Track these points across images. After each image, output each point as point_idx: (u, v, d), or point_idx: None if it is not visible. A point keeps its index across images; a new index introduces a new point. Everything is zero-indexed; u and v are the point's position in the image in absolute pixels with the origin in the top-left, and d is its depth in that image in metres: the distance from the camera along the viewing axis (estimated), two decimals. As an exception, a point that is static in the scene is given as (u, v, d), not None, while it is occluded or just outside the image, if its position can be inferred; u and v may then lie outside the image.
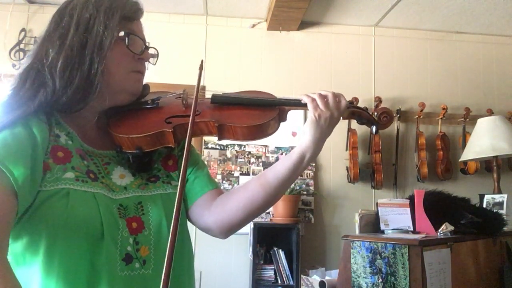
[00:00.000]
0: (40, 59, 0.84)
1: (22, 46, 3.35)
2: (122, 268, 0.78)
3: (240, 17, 3.57)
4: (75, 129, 0.87)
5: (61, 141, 0.83)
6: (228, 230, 0.94)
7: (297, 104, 0.97)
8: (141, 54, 0.90)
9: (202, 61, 0.96)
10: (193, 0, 3.35)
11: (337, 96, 0.94)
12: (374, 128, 1.03)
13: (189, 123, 0.80)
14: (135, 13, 0.91)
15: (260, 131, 0.93)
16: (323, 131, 0.91)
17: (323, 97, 0.93)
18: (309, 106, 0.92)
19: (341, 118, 0.96)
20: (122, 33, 0.87)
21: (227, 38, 3.56)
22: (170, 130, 0.89)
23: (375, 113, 1.04)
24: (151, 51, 0.94)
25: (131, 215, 0.82)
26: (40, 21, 3.44)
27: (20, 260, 0.76)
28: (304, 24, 3.59)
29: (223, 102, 0.98)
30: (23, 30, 3.37)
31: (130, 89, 0.91)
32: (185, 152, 0.74)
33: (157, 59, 0.97)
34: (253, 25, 3.59)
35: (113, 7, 0.87)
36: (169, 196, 0.90)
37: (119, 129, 0.89)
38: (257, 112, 0.95)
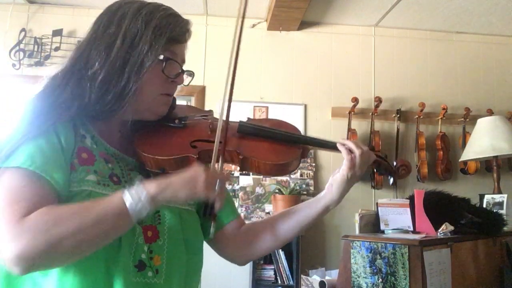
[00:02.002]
0: (84, 66, 0.83)
1: (22, 46, 3.35)
2: (134, 274, 0.78)
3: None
4: (99, 132, 0.86)
5: (87, 142, 0.83)
6: (249, 260, 1.05)
7: (323, 145, 0.98)
8: (175, 78, 0.89)
9: None
10: (193, 0, 3.35)
11: (370, 153, 0.96)
12: (391, 180, 1.06)
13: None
14: (183, 36, 0.90)
15: (282, 169, 0.94)
16: (351, 185, 0.96)
17: (362, 156, 0.93)
18: (346, 163, 0.93)
19: None
20: (161, 57, 0.85)
21: (227, 38, 3.54)
22: (195, 157, 0.88)
23: (394, 163, 1.06)
24: (187, 73, 0.94)
25: (147, 223, 0.83)
26: (40, 21, 3.44)
27: None
28: (304, 24, 3.59)
29: (249, 133, 0.97)
30: (23, 30, 3.37)
31: (156, 110, 0.91)
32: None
33: (191, 80, 0.96)
34: (253, 25, 3.59)
35: (162, 25, 0.85)
36: (187, 211, 0.91)
37: (144, 147, 0.88)
38: (282, 149, 0.95)
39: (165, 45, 0.85)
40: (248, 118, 1.04)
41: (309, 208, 0.97)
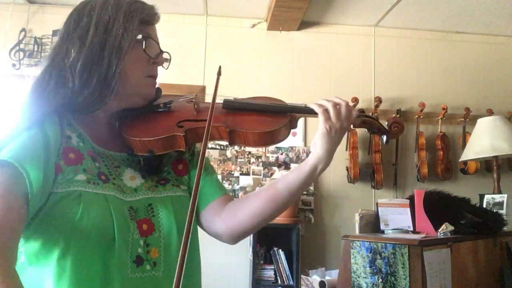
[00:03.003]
0: (62, 59, 0.84)
1: (22, 46, 3.35)
2: (133, 270, 0.78)
3: (240, 17, 3.57)
4: (86, 130, 0.87)
5: (73, 142, 0.84)
6: (238, 236, 0.96)
7: (309, 111, 0.97)
8: (156, 58, 0.91)
9: (220, 67, 0.96)
10: (193, 0, 3.35)
11: (348, 106, 0.93)
12: (384, 138, 1.04)
13: (205, 132, 0.81)
14: (152, 17, 0.93)
15: (270, 138, 0.94)
16: (334, 141, 0.91)
17: (335, 107, 0.91)
18: (320, 117, 0.91)
19: (352, 127, 0.96)
20: (140, 37, 0.88)
21: (227, 38, 3.56)
22: (182, 135, 0.89)
23: (386, 122, 1.05)
24: (164, 55, 0.95)
25: (141, 217, 0.83)
26: (40, 21, 3.44)
27: (33, 260, 0.76)
28: (304, 24, 3.59)
29: (234, 107, 0.98)
30: (23, 30, 3.37)
31: (144, 93, 0.92)
32: (199, 161, 0.75)
33: (169, 64, 0.97)
34: (253, 25, 3.59)
35: (132, 10, 0.88)
36: (179, 198, 0.91)
37: (131, 131, 0.89)
38: (269, 119, 0.96)
39: (138, 27, 0.88)
40: (235, 98, 1.04)
41: (297, 171, 0.93)
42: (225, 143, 0.94)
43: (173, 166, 0.96)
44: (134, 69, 0.88)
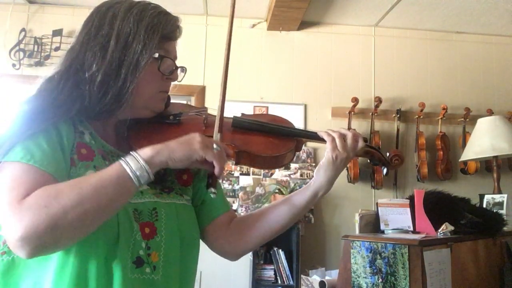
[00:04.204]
0: (80, 67, 0.83)
1: (22, 46, 3.35)
2: (132, 271, 0.79)
3: (240, 17, 3.57)
4: (96, 129, 0.87)
5: (85, 138, 0.84)
6: (241, 254, 1.02)
7: (316, 138, 0.99)
8: (170, 75, 0.91)
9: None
10: (193, 0, 3.35)
11: (355, 137, 0.97)
12: (385, 170, 1.07)
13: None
14: (174, 33, 0.91)
15: (277, 162, 0.96)
16: (338, 170, 0.96)
17: (342, 137, 0.95)
18: (328, 145, 0.95)
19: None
20: (156, 55, 0.86)
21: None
22: None
23: (388, 154, 1.08)
24: (180, 69, 0.94)
25: (144, 220, 0.83)
26: (40, 21, 3.44)
27: None
28: (304, 24, 3.59)
29: (244, 127, 0.98)
30: (23, 30, 3.37)
31: (153, 107, 0.92)
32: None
33: (184, 75, 0.97)
34: (253, 25, 3.60)
35: (154, 24, 0.86)
36: (183, 206, 0.92)
37: (140, 143, 0.88)
38: (276, 142, 0.97)
39: (158, 43, 0.86)
40: (242, 114, 1.04)
41: (299, 195, 0.98)
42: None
43: (177, 176, 0.96)
44: (147, 85, 0.87)
